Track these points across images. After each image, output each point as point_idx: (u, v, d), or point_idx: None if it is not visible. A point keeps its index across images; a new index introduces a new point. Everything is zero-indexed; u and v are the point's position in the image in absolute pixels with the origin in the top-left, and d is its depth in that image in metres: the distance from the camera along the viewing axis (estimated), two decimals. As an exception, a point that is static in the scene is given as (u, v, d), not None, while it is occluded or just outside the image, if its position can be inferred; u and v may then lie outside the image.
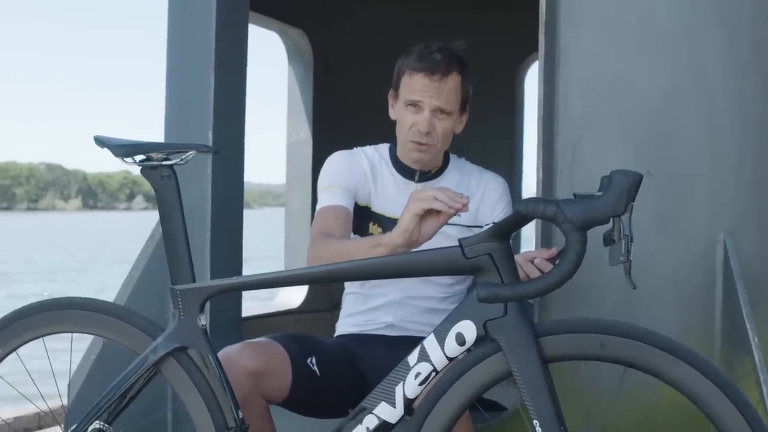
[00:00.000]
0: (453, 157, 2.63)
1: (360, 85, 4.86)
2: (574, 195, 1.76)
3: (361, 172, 2.54)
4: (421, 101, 2.43)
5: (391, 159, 2.59)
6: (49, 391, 2.45)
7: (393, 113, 2.55)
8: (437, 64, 2.42)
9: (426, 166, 2.54)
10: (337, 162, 2.55)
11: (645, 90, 2.60)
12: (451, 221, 2.47)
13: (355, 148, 2.62)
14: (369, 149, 2.61)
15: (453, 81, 2.44)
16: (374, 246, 2.18)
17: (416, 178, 2.56)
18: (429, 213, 2.10)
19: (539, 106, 2.68)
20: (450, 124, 2.48)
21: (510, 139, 6.13)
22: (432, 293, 2.52)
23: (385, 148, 2.62)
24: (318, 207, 2.49)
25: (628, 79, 2.60)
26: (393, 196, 2.54)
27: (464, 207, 2.07)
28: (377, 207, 2.54)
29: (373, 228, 2.53)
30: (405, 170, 2.57)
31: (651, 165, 2.49)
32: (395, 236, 2.13)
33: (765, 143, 2.63)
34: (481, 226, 2.53)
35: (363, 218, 2.53)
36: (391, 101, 2.55)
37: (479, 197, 2.56)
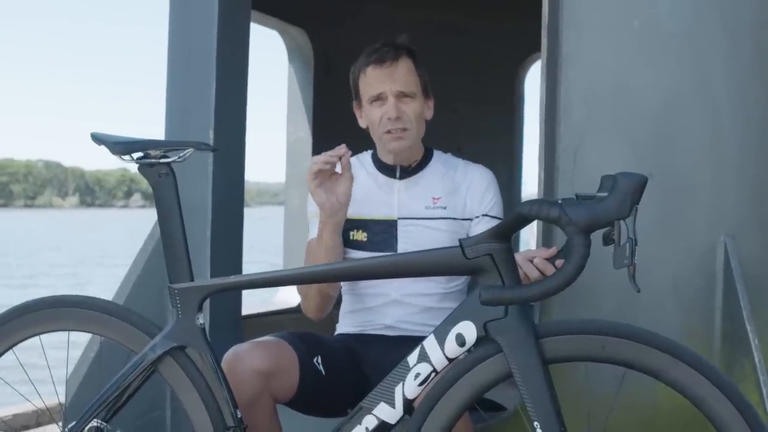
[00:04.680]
0: (437, 152, 2.64)
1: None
2: (576, 196, 1.76)
3: None
4: (381, 92, 2.47)
5: (373, 162, 2.61)
6: (46, 389, 2.45)
7: (362, 122, 2.58)
8: (384, 54, 2.49)
9: (406, 158, 2.55)
10: None
11: (647, 94, 2.60)
12: (441, 215, 2.48)
13: None
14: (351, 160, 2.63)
15: (404, 64, 2.49)
16: (319, 235, 2.43)
17: (397, 174, 2.57)
18: (332, 179, 2.36)
19: (541, 108, 2.68)
20: (418, 107, 2.50)
21: (510, 140, 6.13)
22: (430, 290, 2.52)
23: (367, 154, 2.65)
24: (309, 238, 2.56)
25: (630, 83, 2.60)
26: (376, 197, 2.56)
27: (344, 152, 2.34)
28: (361, 213, 2.53)
29: (357, 234, 2.53)
30: (386, 169, 2.58)
31: (652, 168, 2.48)
32: (321, 215, 2.39)
33: (767, 146, 2.63)
34: (470, 219, 2.53)
35: (344, 230, 2.51)
36: (357, 113, 2.59)
37: (465, 189, 2.56)
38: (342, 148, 2.34)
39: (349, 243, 2.52)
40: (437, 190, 2.54)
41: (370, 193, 2.56)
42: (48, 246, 36.07)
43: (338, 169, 2.38)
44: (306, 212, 2.62)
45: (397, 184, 2.56)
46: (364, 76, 2.51)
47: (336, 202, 2.36)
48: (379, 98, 2.48)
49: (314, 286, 2.46)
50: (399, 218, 2.53)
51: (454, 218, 2.52)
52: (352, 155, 2.41)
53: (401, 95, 2.47)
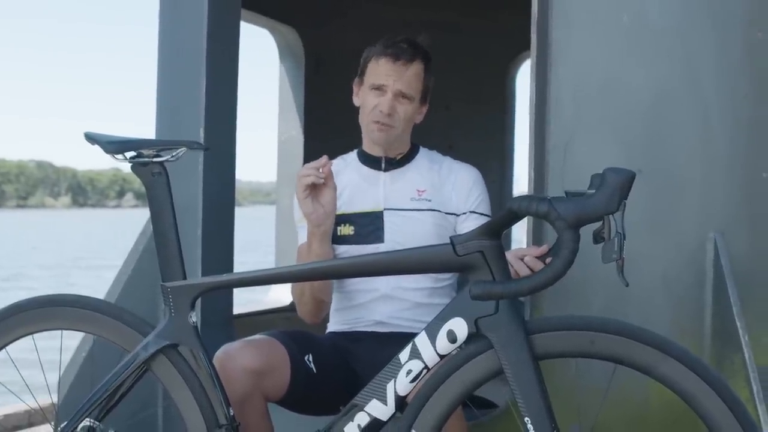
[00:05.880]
0: (423, 148, 2.67)
1: (351, 84, 4.86)
2: (566, 193, 1.76)
3: None
4: (384, 84, 2.51)
5: (358, 156, 2.64)
6: (38, 389, 2.44)
7: (356, 100, 2.62)
8: (402, 51, 2.52)
9: (389, 150, 2.58)
10: None
11: (637, 90, 2.61)
12: (426, 207, 2.50)
13: None
14: (335, 160, 2.64)
15: (416, 68, 2.53)
16: (308, 244, 2.44)
17: (383, 166, 2.59)
18: (316, 189, 2.36)
19: (531, 106, 2.68)
20: (411, 110, 2.54)
21: (502, 137, 6.14)
22: (420, 284, 2.53)
23: (352, 153, 2.67)
24: (299, 244, 2.58)
25: (619, 80, 2.61)
26: (362, 191, 2.57)
27: (325, 162, 2.35)
28: (346, 208, 2.54)
29: (344, 229, 2.54)
30: (372, 161, 2.60)
31: (642, 165, 2.50)
32: (308, 225, 2.41)
33: (756, 143, 2.64)
34: (456, 215, 2.55)
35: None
36: (355, 89, 2.63)
37: (450, 186, 2.58)
38: (324, 159, 2.37)
39: (336, 239, 2.52)
40: (422, 183, 2.57)
41: (356, 188, 2.57)
42: (39, 247, 35.90)
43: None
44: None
45: (383, 176, 2.58)
46: (375, 63, 2.54)
47: (322, 213, 2.38)
48: (380, 88, 2.51)
49: (307, 291, 2.47)
50: (385, 209, 2.54)
51: (440, 211, 2.54)
52: (341, 154, 2.42)
53: (400, 94, 2.51)
